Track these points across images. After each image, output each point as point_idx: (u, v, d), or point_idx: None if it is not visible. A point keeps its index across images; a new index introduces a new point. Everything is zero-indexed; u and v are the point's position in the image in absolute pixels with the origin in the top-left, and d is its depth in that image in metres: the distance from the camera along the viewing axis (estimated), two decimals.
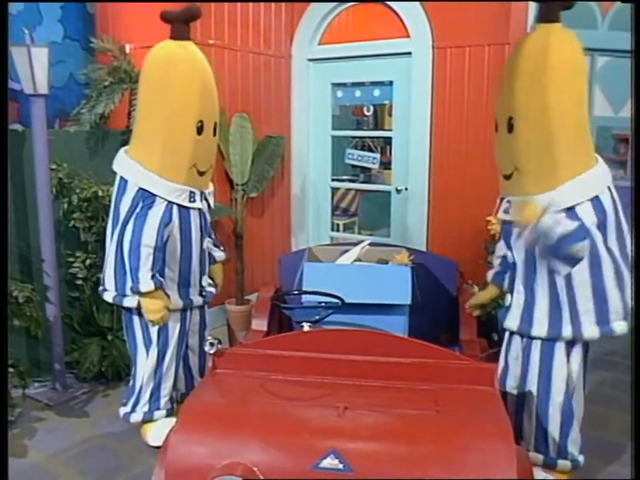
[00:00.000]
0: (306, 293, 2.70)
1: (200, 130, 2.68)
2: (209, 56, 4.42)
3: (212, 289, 3.14)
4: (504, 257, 2.69)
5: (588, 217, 2.33)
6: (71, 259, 3.79)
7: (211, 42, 4.47)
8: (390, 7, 4.69)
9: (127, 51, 4.33)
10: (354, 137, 5.74)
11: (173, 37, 2.73)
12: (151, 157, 2.71)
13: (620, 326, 2.43)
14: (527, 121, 2.34)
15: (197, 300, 3.00)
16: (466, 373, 2.09)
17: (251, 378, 2.12)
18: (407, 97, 4.72)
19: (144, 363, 2.93)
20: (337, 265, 3.04)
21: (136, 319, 2.89)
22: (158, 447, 2.31)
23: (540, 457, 2.54)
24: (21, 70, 3.26)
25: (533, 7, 4.22)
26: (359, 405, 1.93)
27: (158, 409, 2.98)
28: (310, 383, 2.09)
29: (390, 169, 5.03)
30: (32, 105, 3.34)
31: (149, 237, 2.58)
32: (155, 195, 2.66)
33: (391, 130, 4.98)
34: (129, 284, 2.64)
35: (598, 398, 3.60)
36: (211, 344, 2.14)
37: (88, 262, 3.81)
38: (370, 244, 3.29)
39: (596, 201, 2.37)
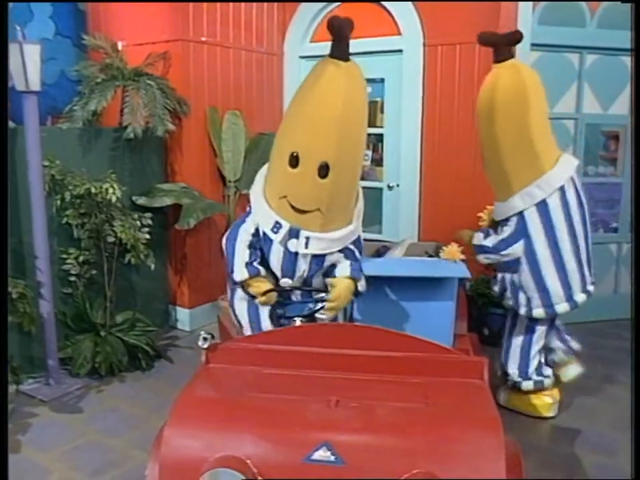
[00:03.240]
0: (297, 289, 2.70)
1: (294, 163, 2.37)
2: (202, 53, 4.49)
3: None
4: None
5: (531, 219, 2.98)
6: (64, 256, 3.80)
7: (203, 39, 4.48)
8: (381, 5, 4.71)
9: (119, 48, 4.34)
10: None
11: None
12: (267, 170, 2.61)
13: (562, 307, 3.11)
14: (488, 149, 3.06)
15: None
16: (456, 366, 2.12)
17: (244, 372, 2.13)
18: (398, 94, 4.75)
19: None
20: (396, 258, 3.03)
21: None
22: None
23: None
24: (13, 67, 3.27)
25: (522, 5, 4.27)
26: (351, 398, 1.95)
27: None
28: (302, 376, 2.10)
29: (382, 165, 5.05)
30: (24, 102, 3.35)
31: (242, 236, 2.52)
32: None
33: (382, 127, 5.01)
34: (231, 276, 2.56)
35: (588, 391, 3.66)
36: (204, 339, 2.15)
37: (81, 258, 3.83)
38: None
39: (541, 205, 2.96)
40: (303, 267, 2.53)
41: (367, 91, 2.45)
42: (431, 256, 3.12)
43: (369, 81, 5.03)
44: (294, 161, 2.35)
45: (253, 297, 2.61)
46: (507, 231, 3.07)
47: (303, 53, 5.11)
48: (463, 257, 2.88)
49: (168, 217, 4.51)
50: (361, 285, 2.50)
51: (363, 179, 5.44)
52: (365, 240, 3.37)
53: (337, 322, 2.64)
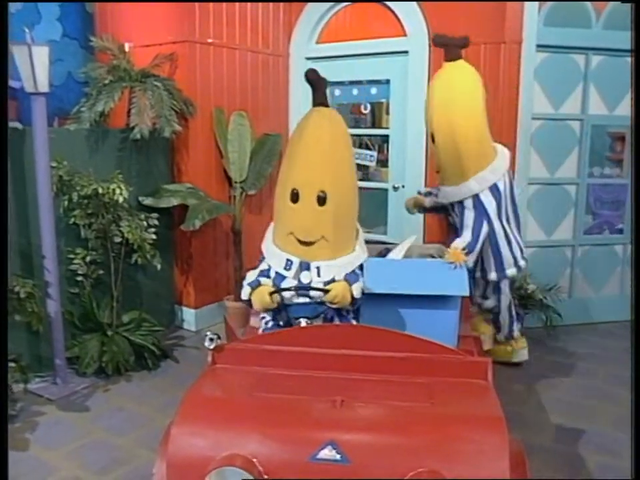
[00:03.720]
0: (301, 288, 2.72)
1: (294, 198, 2.56)
2: (208, 54, 4.52)
3: None
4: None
5: (487, 200, 3.37)
6: (71, 256, 3.83)
7: (209, 41, 4.51)
8: (387, 6, 4.73)
9: (126, 49, 4.37)
10: (351, 135, 5.77)
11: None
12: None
13: (511, 271, 3.55)
14: (442, 137, 3.32)
15: None
16: (460, 367, 2.13)
17: (250, 372, 2.15)
18: (403, 95, 4.76)
19: None
20: (399, 260, 3.05)
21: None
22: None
23: None
24: (21, 68, 3.29)
25: (528, 6, 4.28)
26: (356, 398, 1.97)
27: None
28: (307, 377, 2.12)
29: (387, 166, 5.06)
30: (33, 103, 3.37)
31: (249, 275, 2.68)
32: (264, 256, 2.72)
33: (388, 128, 5.02)
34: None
35: (592, 391, 3.67)
36: (211, 339, 2.17)
37: (88, 258, 3.86)
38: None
39: (494, 187, 3.37)
40: (315, 294, 2.62)
41: (348, 132, 2.75)
42: (433, 257, 3.14)
43: (375, 82, 5.13)
44: (294, 196, 2.57)
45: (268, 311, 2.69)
46: (470, 217, 3.38)
47: (308, 54, 5.12)
48: (467, 258, 2.90)
49: (174, 217, 4.53)
50: (356, 291, 2.57)
51: (368, 179, 5.52)
52: (370, 241, 3.41)
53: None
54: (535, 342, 4.43)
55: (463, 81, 3.32)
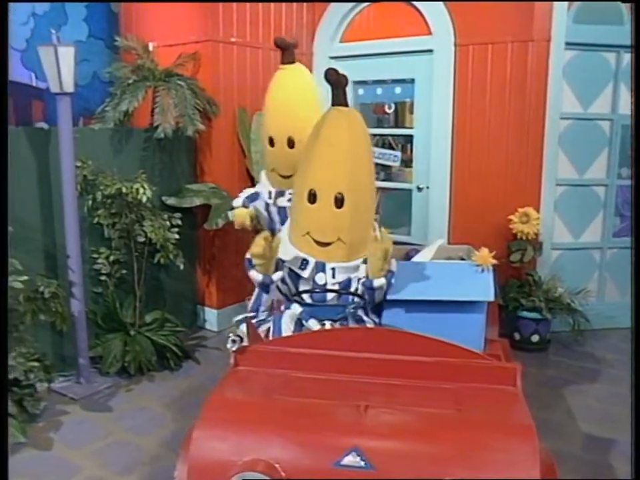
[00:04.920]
0: (324, 291, 2.69)
1: (312, 199, 2.55)
2: (231, 54, 4.51)
3: None
4: None
5: None
6: (95, 255, 3.85)
7: (232, 40, 4.50)
8: (412, 4, 4.67)
9: (151, 49, 4.38)
10: (375, 135, 5.71)
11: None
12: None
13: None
14: (281, 140, 3.19)
15: None
16: (488, 372, 2.08)
17: (273, 375, 2.13)
18: (428, 95, 4.70)
19: None
20: (423, 262, 3.00)
21: None
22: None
23: None
24: (47, 69, 3.30)
25: (557, 3, 4.19)
26: (381, 403, 1.93)
27: None
28: (331, 380, 2.09)
29: (411, 166, 5.00)
30: (58, 103, 3.39)
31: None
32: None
33: (412, 128, 4.96)
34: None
35: (622, 399, 3.57)
36: (233, 341, 2.16)
37: (112, 258, 3.87)
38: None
39: None
40: (331, 294, 2.62)
41: (367, 131, 2.65)
42: (462, 259, 3.09)
43: (399, 81, 5.08)
44: (312, 197, 2.55)
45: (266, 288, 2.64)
46: None
47: (332, 54, 5.09)
48: (495, 261, 2.84)
49: (197, 217, 4.53)
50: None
51: (391, 180, 5.48)
52: (396, 242, 3.36)
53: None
54: (562, 347, 4.35)
55: (302, 84, 3.29)
